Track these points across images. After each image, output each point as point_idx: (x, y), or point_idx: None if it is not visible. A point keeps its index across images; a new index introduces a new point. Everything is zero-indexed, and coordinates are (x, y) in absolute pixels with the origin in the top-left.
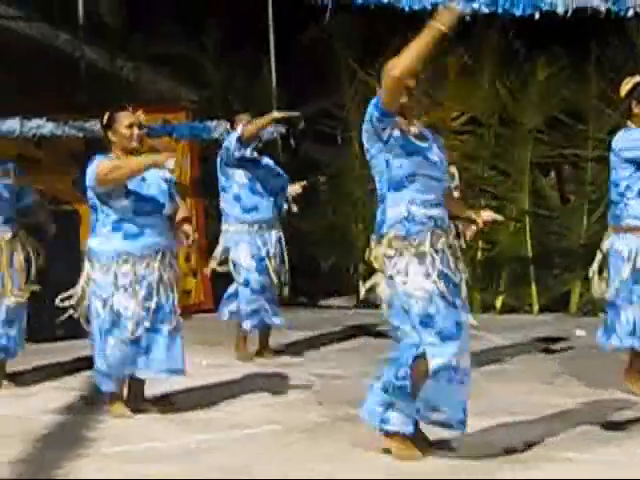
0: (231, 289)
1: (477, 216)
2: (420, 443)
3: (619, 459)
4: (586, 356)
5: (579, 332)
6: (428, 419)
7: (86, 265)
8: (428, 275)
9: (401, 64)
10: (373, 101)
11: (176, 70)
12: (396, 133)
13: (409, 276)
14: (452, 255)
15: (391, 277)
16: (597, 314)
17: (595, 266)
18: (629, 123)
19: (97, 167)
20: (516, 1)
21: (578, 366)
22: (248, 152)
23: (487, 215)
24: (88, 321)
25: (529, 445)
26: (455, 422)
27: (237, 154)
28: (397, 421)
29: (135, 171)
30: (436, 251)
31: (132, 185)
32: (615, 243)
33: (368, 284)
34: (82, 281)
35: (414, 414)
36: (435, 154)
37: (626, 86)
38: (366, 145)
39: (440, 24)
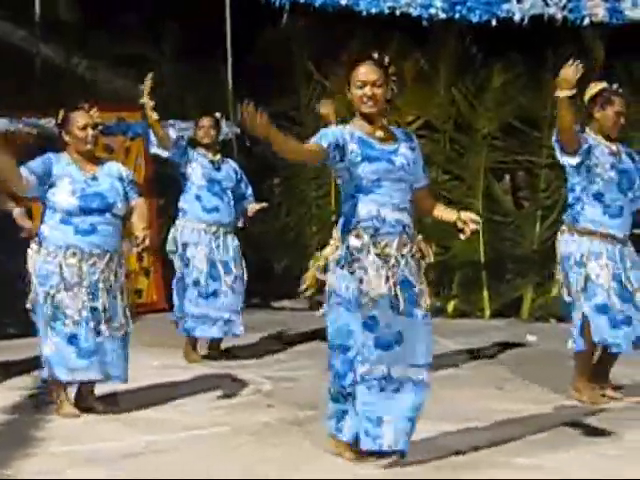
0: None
1: (460, 221)
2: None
3: (566, 465)
4: (537, 362)
5: (530, 337)
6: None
7: (32, 251)
8: (387, 279)
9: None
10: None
11: (133, 69)
12: (353, 148)
13: (368, 275)
14: (416, 264)
15: (350, 271)
16: (549, 320)
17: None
18: (588, 130)
19: None
20: (473, 8)
21: (529, 372)
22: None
23: (468, 217)
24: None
25: (477, 450)
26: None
27: (166, 155)
28: (348, 431)
29: None
30: (402, 256)
31: (79, 183)
32: (568, 245)
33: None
34: (30, 269)
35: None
36: (402, 156)
37: (591, 91)
38: (330, 164)
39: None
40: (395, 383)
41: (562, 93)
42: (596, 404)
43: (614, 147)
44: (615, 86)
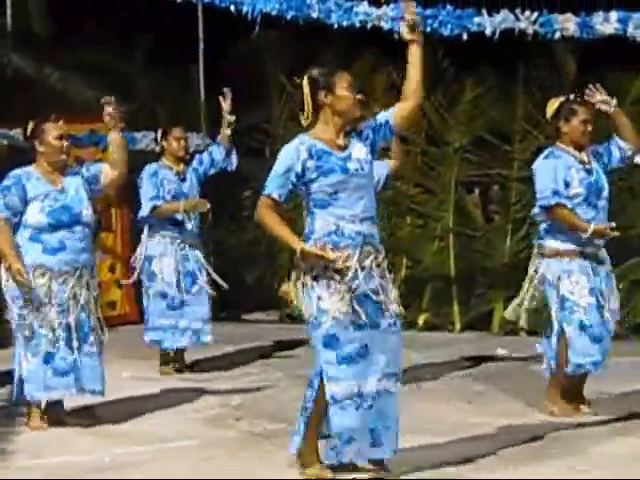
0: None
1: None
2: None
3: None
4: (507, 376)
5: (501, 351)
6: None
7: (3, 270)
8: (344, 295)
9: (262, 221)
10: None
11: (104, 80)
12: (309, 165)
13: (326, 292)
14: (379, 275)
15: (310, 288)
16: (519, 333)
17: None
18: (558, 143)
19: None
20: (444, 21)
21: (498, 385)
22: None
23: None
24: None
25: (447, 463)
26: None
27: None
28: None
29: None
30: (362, 268)
31: (49, 199)
32: (539, 267)
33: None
34: (4, 289)
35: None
36: (354, 160)
37: (552, 107)
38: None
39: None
40: (368, 399)
41: (587, 232)
42: (568, 417)
43: (585, 157)
44: (572, 96)
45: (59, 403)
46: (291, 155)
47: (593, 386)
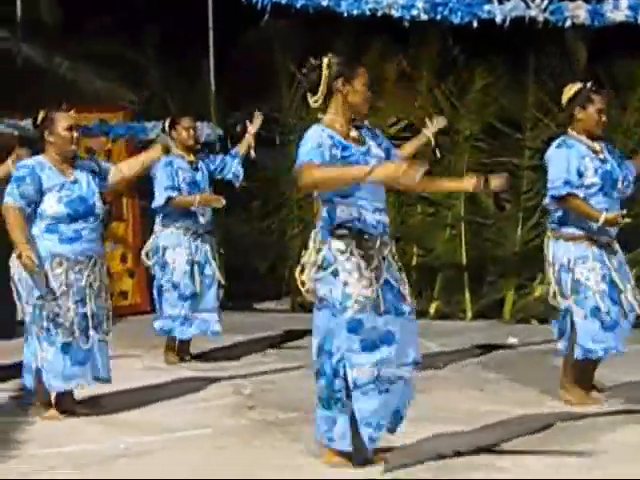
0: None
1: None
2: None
3: (549, 467)
4: (518, 364)
5: (512, 339)
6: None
7: (17, 262)
8: (370, 282)
9: (314, 179)
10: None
11: (115, 70)
12: (335, 152)
13: (352, 278)
14: (396, 265)
15: (334, 274)
16: (530, 321)
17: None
18: (570, 130)
19: None
20: (454, 9)
21: (510, 373)
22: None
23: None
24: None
25: (458, 452)
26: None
27: None
28: (339, 440)
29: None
30: (383, 258)
31: (65, 189)
32: (554, 251)
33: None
34: (16, 281)
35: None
36: (374, 156)
37: (569, 92)
38: None
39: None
40: (385, 383)
41: (601, 220)
42: (584, 406)
43: (597, 146)
44: (589, 84)
45: (70, 393)
46: (318, 135)
47: (607, 374)
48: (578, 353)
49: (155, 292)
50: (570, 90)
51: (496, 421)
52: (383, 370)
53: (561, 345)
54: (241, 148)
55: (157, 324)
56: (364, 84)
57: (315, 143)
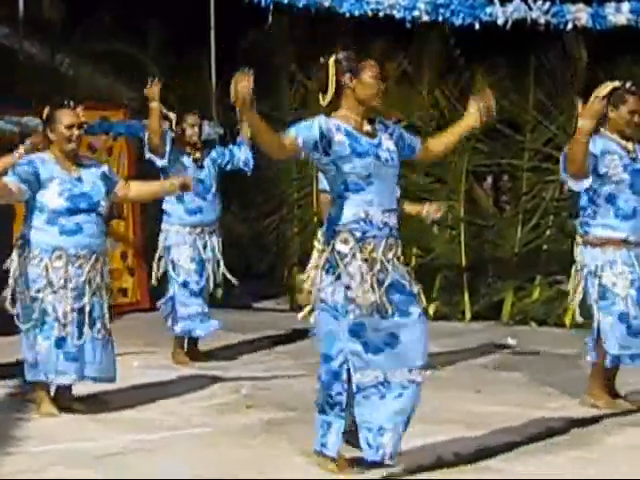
0: (168, 294)
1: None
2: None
3: (547, 469)
4: (517, 365)
5: (510, 341)
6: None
7: (16, 255)
8: (374, 285)
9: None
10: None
11: (116, 67)
12: (340, 139)
13: (355, 281)
14: (403, 266)
15: (337, 277)
16: (529, 323)
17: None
18: (602, 130)
19: None
20: (456, 10)
21: (509, 375)
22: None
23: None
24: (18, 315)
25: (457, 454)
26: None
27: (160, 164)
28: (332, 446)
29: None
30: (388, 260)
31: (67, 184)
32: (582, 256)
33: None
34: (13, 273)
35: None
36: (385, 150)
37: (603, 91)
38: (313, 159)
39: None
40: (397, 388)
41: (582, 122)
42: (612, 410)
43: (630, 146)
44: (628, 84)
45: (68, 389)
46: (320, 121)
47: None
48: (608, 361)
49: (170, 291)
50: (604, 88)
51: (495, 422)
52: (390, 373)
53: (591, 352)
54: (244, 133)
55: (177, 326)
56: (372, 76)
57: (309, 122)
